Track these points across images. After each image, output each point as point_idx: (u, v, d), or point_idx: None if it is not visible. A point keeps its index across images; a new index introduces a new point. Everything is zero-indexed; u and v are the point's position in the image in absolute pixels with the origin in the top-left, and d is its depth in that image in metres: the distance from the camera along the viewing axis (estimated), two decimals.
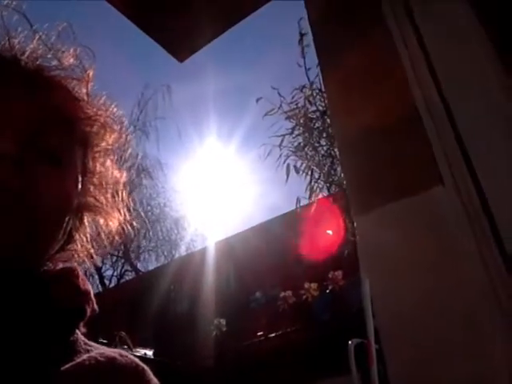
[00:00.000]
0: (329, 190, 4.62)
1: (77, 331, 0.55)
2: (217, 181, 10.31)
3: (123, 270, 10.29)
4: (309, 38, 4.30)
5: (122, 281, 10.06)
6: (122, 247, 9.30)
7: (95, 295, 0.57)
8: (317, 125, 4.70)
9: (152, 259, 10.35)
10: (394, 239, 1.04)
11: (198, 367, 5.14)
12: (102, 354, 0.53)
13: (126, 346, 4.46)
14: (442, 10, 1.17)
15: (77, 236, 0.60)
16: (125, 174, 0.66)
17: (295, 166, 4.65)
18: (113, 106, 0.61)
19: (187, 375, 4.72)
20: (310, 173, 4.58)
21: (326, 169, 4.52)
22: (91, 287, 0.57)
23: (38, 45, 0.55)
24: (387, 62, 1.20)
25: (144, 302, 6.90)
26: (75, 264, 0.59)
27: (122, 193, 0.65)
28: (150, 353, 5.22)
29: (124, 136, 0.64)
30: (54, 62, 0.56)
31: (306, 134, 4.69)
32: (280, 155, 4.70)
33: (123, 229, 0.65)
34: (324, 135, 4.62)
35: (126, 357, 0.55)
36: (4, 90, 0.50)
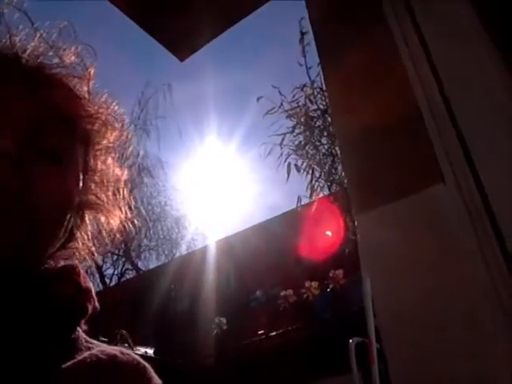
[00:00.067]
0: (329, 189, 4.62)
1: (78, 329, 0.55)
2: (217, 180, 10.33)
3: (124, 269, 10.31)
4: (309, 37, 4.30)
5: (123, 279, 10.08)
6: (123, 246, 9.31)
7: (96, 294, 0.57)
8: (318, 123, 4.70)
9: (153, 258, 10.38)
10: (395, 238, 1.04)
11: (198, 366, 5.14)
12: (103, 352, 0.53)
13: (126, 345, 4.47)
14: (443, 9, 1.17)
15: (78, 234, 0.60)
16: (126, 172, 0.66)
17: (296, 165, 4.65)
18: (114, 104, 0.61)
19: (188, 374, 4.73)
20: (310, 171, 4.58)
21: (326, 167, 4.52)
22: (92, 285, 0.57)
23: (40, 43, 0.55)
24: (388, 61, 1.19)
25: (145, 300, 6.91)
26: (76, 262, 0.59)
27: (123, 191, 0.65)
28: (150, 351, 5.23)
29: (125, 134, 0.64)
30: (56, 60, 0.56)
31: (307, 133, 4.69)
32: (281, 154, 4.71)
33: (124, 227, 0.65)
34: (325, 134, 4.62)
35: (128, 354, 0.55)
36: (5, 87, 0.50)
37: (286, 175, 4.64)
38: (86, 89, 0.58)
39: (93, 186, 0.61)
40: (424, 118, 1.07)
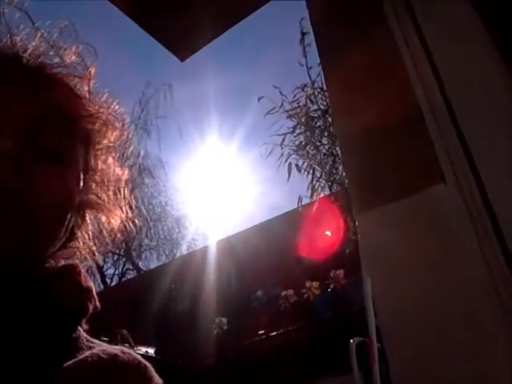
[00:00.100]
0: (330, 189, 4.62)
1: (79, 328, 0.55)
2: (218, 180, 10.34)
3: (125, 269, 10.32)
4: (310, 37, 4.30)
5: (124, 279, 10.09)
6: (124, 246, 9.32)
7: (97, 294, 0.57)
8: (318, 123, 4.70)
9: (153, 258, 10.38)
10: (395, 238, 1.04)
11: (199, 366, 5.14)
12: (104, 351, 0.53)
13: (127, 344, 4.47)
14: (444, 9, 1.16)
15: (79, 233, 0.60)
16: (126, 172, 0.66)
17: (297, 165, 4.66)
18: (115, 103, 0.61)
19: (188, 374, 4.73)
20: (311, 172, 4.59)
21: (327, 168, 4.52)
22: (93, 284, 0.57)
23: (40, 42, 0.55)
24: (389, 62, 1.19)
25: (145, 300, 6.91)
26: (77, 261, 0.59)
27: (124, 190, 0.65)
28: (151, 351, 5.23)
29: (126, 133, 0.64)
30: (56, 60, 0.56)
31: (308, 133, 4.70)
32: (281, 154, 4.72)
33: (125, 226, 0.65)
34: (325, 134, 4.62)
35: (129, 354, 0.55)
36: (6, 87, 0.50)
37: (287, 175, 4.65)
38: (86, 88, 0.58)
39: (93, 185, 0.61)
40: (425, 118, 1.07)
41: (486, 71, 1.06)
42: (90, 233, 0.62)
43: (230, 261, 7.06)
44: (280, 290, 5.35)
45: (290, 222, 5.69)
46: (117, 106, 0.62)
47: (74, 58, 0.58)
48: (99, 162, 0.61)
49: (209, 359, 5.26)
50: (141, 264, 10.34)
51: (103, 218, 0.63)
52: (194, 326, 5.90)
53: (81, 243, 0.61)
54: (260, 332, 5.18)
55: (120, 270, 10.26)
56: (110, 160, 0.63)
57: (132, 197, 0.66)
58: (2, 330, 0.45)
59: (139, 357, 0.56)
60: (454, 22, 1.14)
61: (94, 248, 0.63)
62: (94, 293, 0.57)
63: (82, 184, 0.57)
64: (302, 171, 4.61)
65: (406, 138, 1.10)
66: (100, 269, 9.30)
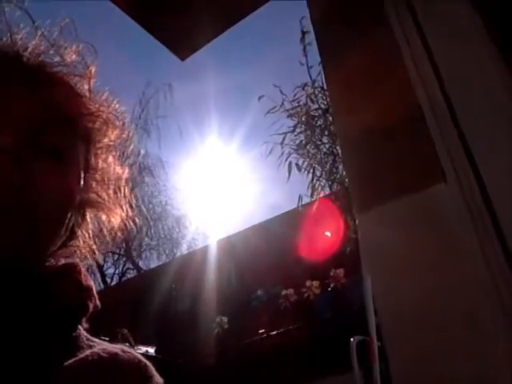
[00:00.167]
0: (331, 188, 4.62)
1: (79, 327, 0.55)
2: (218, 179, 10.33)
3: (125, 269, 10.31)
4: (310, 36, 4.30)
5: (124, 279, 10.08)
6: (124, 245, 9.32)
7: (97, 293, 0.57)
8: (319, 123, 4.70)
9: (153, 257, 10.38)
10: (396, 237, 1.04)
11: (199, 365, 5.14)
12: (105, 350, 0.53)
13: (127, 344, 4.47)
14: (444, 9, 1.16)
15: (79, 232, 0.60)
16: (127, 171, 0.66)
17: (297, 164, 4.66)
18: (115, 102, 0.61)
19: (189, 373, 4.73)
20: (311, 171, 4.59)
21: (327, 167, 4.52)
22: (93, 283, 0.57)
23: (40, 41, 0.55)
24: (390, 61, 1.19)
25: (146, 300, 6.91)
26: (77, 260, 0.59)
27: (124, 189, 0.64)
28: (151, 350, 5.23)
29: (126, 132, 0.64)
30: (57, 58, 0.56)
31: (308, 132, 4.70)
32: (282, 153, 4.72)
33: (125, 225, 0.65)
34: (326, 133, 4.62)
35: (129, 352, 0.55)
36: (6, 86, 0.50)
37: (287, 174, 4.65)
38: (86, 87, 0.58)
39: (94, 184, 0.61)
40: (426, 117, 1.07)
41: (486, 71, 1.06)
42: (91, 231, 0.62)
43: (230, 260, 7.06)
44: (280, 289, 5.35)
45: (291, 221, 5.69)
46: (117, 105, 0.62)
47: (74, 56, 0.58)
48: (99, 161, 0.61)
49: (209, 358, 5.26)
50: (141, 263, 10.34)
51: (103, 217, 0.63)
52: (195, 326, 5.90)
53: (81, 242, 0.61)
54: (260, 331, 5.18)
55: (120, 269, 10.27)
56: (111, 159, 0.63)
57: (132, 195, 0.66)
58: (2, 330, 0.45)
59: (140, 356, 0.56)
60: (454, 21, 1.14)
61: (94, 247, 0.63)
62: (95, 291, 0.57)
63: (82, 183, 0.57)
64: (303, 170, 4.62)
65: (406, 137, 1.10)
66: (100, 268, 9.31)
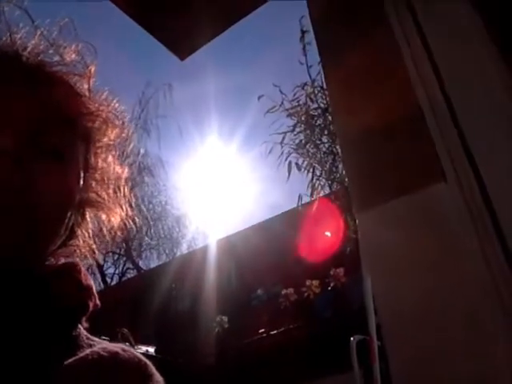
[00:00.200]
0: (330, 188, 4.63)
1: (79, 326, 0.55)
2: (218, 179, 10.33)
3: (125, 268, 10.32)
4: (310, 36, 4.30)
5: (124, 279, 10.09)
6: (124, 245, 9.33)
7: (97, 293, 0.57)
8: (318, 122, 4.70)
9: (154, 257, 10.39)
10: (395, 236, 1.04)
11: (199, 365, 5.15)
12: (105, 349, 0.53)
13: (128, 343, 4.47)
14: (444, 9, 1.16)
15: (79, 232, 0.60)
16: (126, 170, 0.65)
17: (297, 164, 4.66)
18: (114, 101, 0.61)
19: (189, 372, 4.73)
20: (311, 170, 4.59)
21: (327, 166, 4.52)
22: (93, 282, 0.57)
23: (40, 40, 0.55)
24: (390, 61, 1.19)
25: (146, 299, 6.92)
26: (77, 259, 0.59)
27: (124, 188, 0.64)
28: (151, 350, 5.24)
29: (126, 131, 0.64)
30: (56, 58, 0.56)
31: (308, 132, 4.70)
32: (281, 153, 4.72)
33: (125, 224, 0.65)
34: (326, 132, 4.62)
35: (129, 351, 0.55)
36: (5, 86, 0.50)
37: (287, 174, 4.66)
38: (86, 86, 0.58)
39: (93, 183, 0.61)
40: (426, 117, 1.07)
41: (486, 71, 1.06)
42: (90, 231, 0.62)
43: (230, 260, 7.06)
44: (280, 289, 5.36)
45: (290, 220, 5.69)
46: (117, 104, 0.61)
47: (73, 56, 0.58)
48: (99, 160, 0.61)
49: (209, 358, 5.26)
50: (141, 263, 10.35)
51: (103, 216, 0.63)
52: (195, 325, 5.90)
53: (81, 241, 0.61)
54: (260, 330, 5.19)
55: (120, 269, 10.28)
56: (110, 158, 0.63)
57: (132, 195, 0.66)
58: (2, 330, 0.45)
59: (140, 355, 0.56)
60: (454, 21, 1.14)
61: (94, 246, 0.62)
62: (94, 291, 0.57)
63: (82, 182, 0.57)
64: (302, 170, 4.62)
65: (406, 137, 1.10)
66: (100, 268, 9.31)
